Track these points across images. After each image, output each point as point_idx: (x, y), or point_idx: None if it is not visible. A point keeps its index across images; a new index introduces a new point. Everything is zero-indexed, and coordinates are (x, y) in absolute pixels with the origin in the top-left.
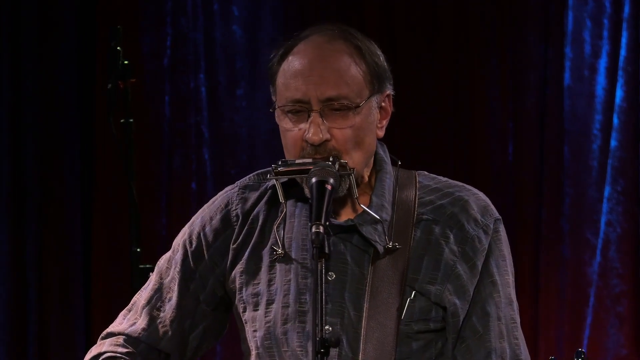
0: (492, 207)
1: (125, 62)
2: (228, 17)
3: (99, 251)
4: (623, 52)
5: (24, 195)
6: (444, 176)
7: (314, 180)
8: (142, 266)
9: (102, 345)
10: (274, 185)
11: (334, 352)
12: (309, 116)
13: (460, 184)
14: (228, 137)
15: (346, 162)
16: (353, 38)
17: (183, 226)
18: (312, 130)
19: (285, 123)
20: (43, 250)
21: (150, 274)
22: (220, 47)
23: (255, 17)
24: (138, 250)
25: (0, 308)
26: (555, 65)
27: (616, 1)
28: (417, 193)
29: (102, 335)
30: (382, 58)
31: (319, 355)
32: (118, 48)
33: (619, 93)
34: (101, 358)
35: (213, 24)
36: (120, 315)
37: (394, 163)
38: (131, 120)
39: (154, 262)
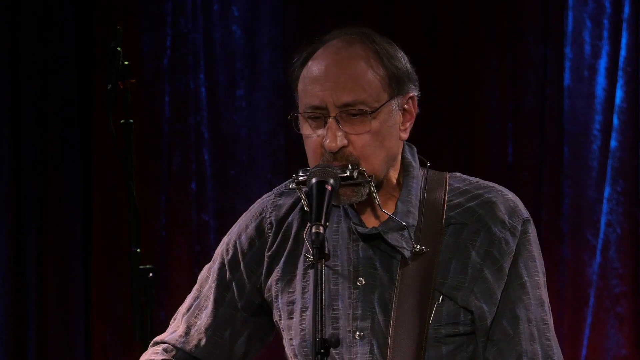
0: (521, 207)
1: (125, 62)
2: (228, 18)
3: (98, 252)
4: (623, 52)
5: (24, 196)
6: None
7: (313, 180)
8: (141, 267)
9: (146, 354)
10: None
11: (365, 357)
12: (325, 122)
13: (491, 184)
14: (228, 137)
15: (364, 170)
16: (371, 42)
17: (183, 227)
18: (330, 137)
19: (305, 129)
20: (42, 251)
21: (151, 274)
22: (220, 48)
23: (255, 17)
24: (138, 250)
25: (0, 308)
26: (555, 65)
27: (616, 1)
28: (447, 196)
29: (152, 342)
30: (403, 60)
31: (318, 356)
32: (118, 48)
33: (619, 93)
34: None
35: (213, 24)
36: (171, 321)
37: (422, 164)
38: (131, 120)
39: (153, 262)
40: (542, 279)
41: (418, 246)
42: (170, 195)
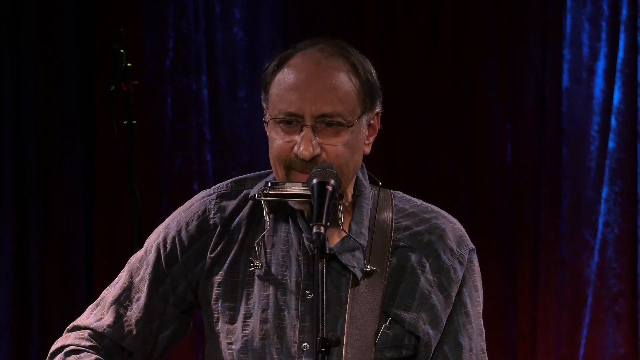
0: (467, 237)
1: (128, 64)
2: (229, 20)
3: (101, 252)
4: (621, 54)
5: (27, 196)
6: (446, 178)
7: (315, 181)
8: None
9: (67, 338)
10: (256, 200)
11: None
12: (301, 130)
13: (436, 209)
14: (229, 138)
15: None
16: (349, 54)
17: None
18: (304, 145)
19: (275, 133)
20: (45, 251)
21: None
22: (221, 49)
23: (256, 19)
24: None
25: (3, 308)
26: (553, 67)
27: (614, 4)
28: (394, 217)
29: (67, 328)
30: (374, 75)
31: (319, 355)
32: (120, 50)
33: (617, 95)
34: (65, 350)
35: (214, 26)
36: (87, 309)
37: (372, 182)
38: (134, 121)
39: None
40: (481, 309)
41: (369, 266)
42: (172, 195)
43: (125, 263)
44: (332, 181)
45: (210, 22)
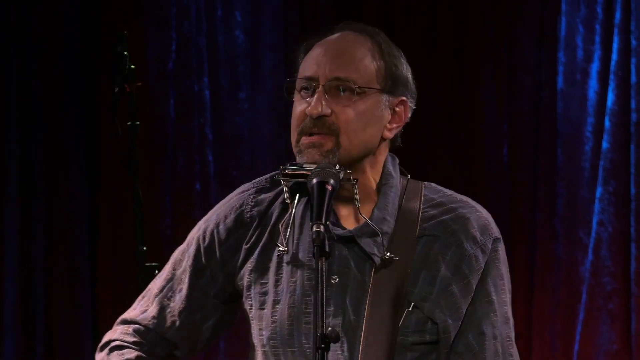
0: (493, 225)
1: (132, 66)
2: (231, 23)
3: (105, 250)
4: (614, 56)
5: (32, 196)
6: (442, 178)
7: (314, 181)
8: (147, 264)
9: (114, 333)
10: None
11: (336, 354)
12: (314, 93)
13: (465, 199)
14: (231, 138)
15: (350, 173)
16: (379, 37)
17: (187, 226)
18: (314, 103)
19: (296, 101)
20: (51, 250)
21: (157, 272)
22: (223, 52)
23: (257, 22)
24: (144, 249)
25: (9, 305)
26: (548, 69)
27: (608, 7)
28: (422, 207)
29: (117, 320)
30: (405, 67)
31: (319, 351)
32: (124, 53)
33: (611, 96)
34: (110, 345)
35: (216, 29)
36: (136, 300)
37: (403, 174)
38: (137, 122)
39: (159, 260)
40: (508, 297)
41: (388, 254)
42: (174, 195)
43: (128, 261)
44: (332, 181)
45: (212, 25)
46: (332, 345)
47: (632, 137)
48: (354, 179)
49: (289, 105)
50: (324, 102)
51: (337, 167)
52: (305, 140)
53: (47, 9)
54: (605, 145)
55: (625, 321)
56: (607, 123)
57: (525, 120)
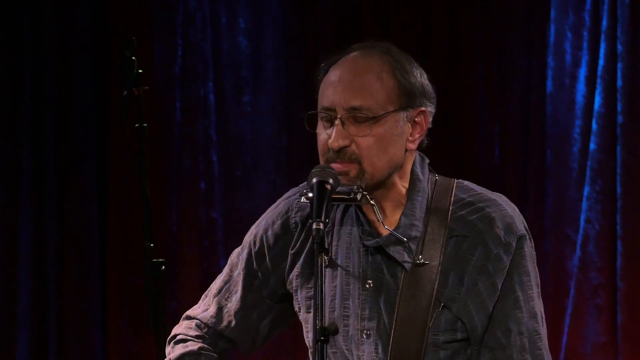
0: (518, 223)
1: (139, 70)
2: (234, 29)
3: (114, 246)
4: (601, 62)
5: (45, 195)
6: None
7: (314, 180)
8: (154, 260)
9: (179, 327)
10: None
11: (371, 355)
12: (334, 124)
13: (494, 197)
14: (234, 140)
15: (367, 194)
16: (389, 55)
17: (192, 224)
18: (333, 137)
19: (318, 128)
20: (62, 247)
21: (163, 267)
22: (227, 57)
23: (259, 29)
24: (151, 245)
25: (23, 299)
26: (538, 73)
27: (595, 15)
28: (451, 207)
29: (183, 316)
30: (419, 77)
31: (319, 343)
32: (132, 58)
33: (598, 100)
34: (175, 339)
35: (220, 35)
36: (200, 298)
37: (432, 172)
38: (145, 125)
39: (165, 256)
40: (535, 292)
41: (420, 257)
42: (180, 194)
43: (136, 256)
44: (331, 180)
45: (216, 32)
46: (367, 347)
47: (618, 139)
48: (371, 199)
49: (290, 108)
50: (342, 134)
51: (355, 187)
52: (332, 166)
53: (60, 18)
54: (592, 146)
55: (612, 314)
56: (594, 125)
57: (516, 123)
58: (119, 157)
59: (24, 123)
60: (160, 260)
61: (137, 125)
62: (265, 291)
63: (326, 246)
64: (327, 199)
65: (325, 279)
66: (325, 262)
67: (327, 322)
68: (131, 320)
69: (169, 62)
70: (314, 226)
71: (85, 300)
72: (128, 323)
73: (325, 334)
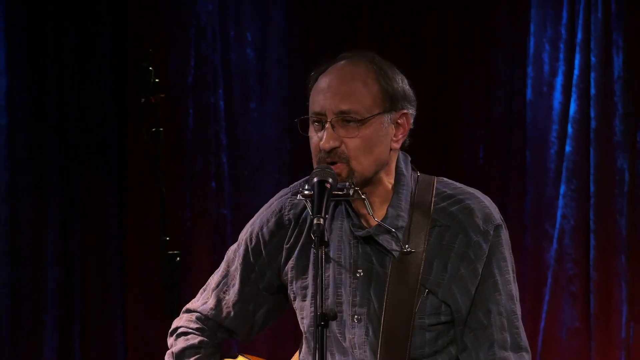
0: (495, 214)
1: (156, 80)
2: (242, 42)
3: (132, 240)
4: (576, 72)
5: (69, 194)
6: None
7: (315, 180)
8: (169, 252)
9: (180, 320)
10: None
11: (362, 338)
12: (324, 127)
13: (472, 191)
14: (242, 143)
15: (358, 189)
16: (373, 63)
17: (204, 219)
18: (324, 139)
19: (310, 132)
20: (85, 240)
21: (178, 259)
22: (235, 67)
23: (265, 42)
24: (166, 239)
25: (50, 288)
26: (519, 82)
27: (571, 29)
28: (434, 199)
29: (183, 309)
30: (401, 82)
31: (319, 327)
32: (149, 68)
33: (573, 106)
34: (177, 332)
35: (229, 47)
36: (199, 292)
37: (414, 170)
38: (161, 129)
39: (179, 249)
40: (511, 276)
41: (407, 246)
42: (193, 192)
43: (153, 249)
44: (330, 179)
45: (225, 44)
46: (357, 331)
47: (591, 142)
48: (363, 193)
49: (293, 113)
50: (332, 136)
51: (347, 184)
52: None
53: (83, 32)
54: (568, 149)
55: (585, 302)
56: (569, 129)
57: (499, 127)
58: (137, 159)
59: (51, 128)
60: (175, 252)
61: (153, 129)
62: (262, 284)
63: (326, 239)
64: (326, 197)
65: (320, 269)
66: (320, 254)
67: (326, 309)
68: (148, 307)
69: (182, 72)
70: (315, 221)
71: (107, 289)
72: (145, 310)
73: (325, 319)
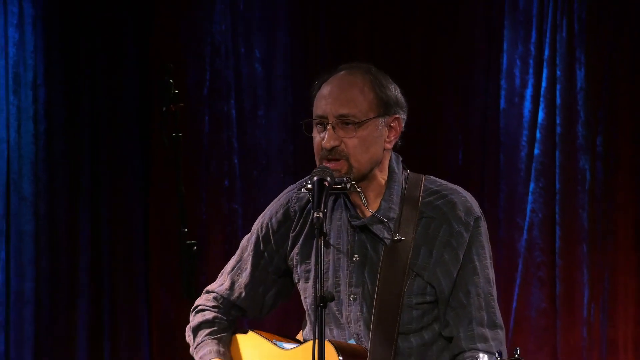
0: (475, 207)
1: (176, 91)
2: (251, 58)
3: (155, 232)
4: (544, 84)
5: (100, 191)
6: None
7: (315, 178)
8: (187, 242)
9: (200, 299)
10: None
11: (357, 314)
12: (326, 128)
13: (454, 187)
14: (251, 146)
15: (356, 184)
16: (369, 73)
17: (218, 213)
18: (326, 138)
19: (314, 133)
20: (114, 232)
21: (195, 248)
22: (245, 80)
23: (271, 58)
24: (185, 230)
25: (83, 273)
26: (493, 93)
27: (539, 46)
28: (422, 195)
29: (204, 290)
30: (394, 90)
31: (319, 307)
32: (170, 81)
33: (541, 115)
34: (197, 309)
35: (240, 63)
36: (218, 275)
37: (405, 169)
38: (180, 134)
39: (196, 239)
40: (489, 262)
41: (397, 235)
42: (208, 190)
43: (173, 239)
44: (328, 178)
45: (237, 60)
46: (353, 308)
47: (557, 146)
48: (359, 187)
49: (296, 120)
50: (333, 136)
51: (345, 178)
52: (326, 164)
53: (112, 50)
54: (536, 151)
55: (552, 285)
56: (538, 135)
57: (476, 132)
58: (159, 160)
59: (84, 133)
60: (192, 242)
61: (173, 134)
62: (271, 268)
63: (324, 230)
64: (325, 193)
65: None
66: (320, 243)
67: (325, 292)
68: (169, 291)
69: (199, 85)
70: (315, 215)
71: (133, 275)
72: (167, 293)
73: (323, 301)
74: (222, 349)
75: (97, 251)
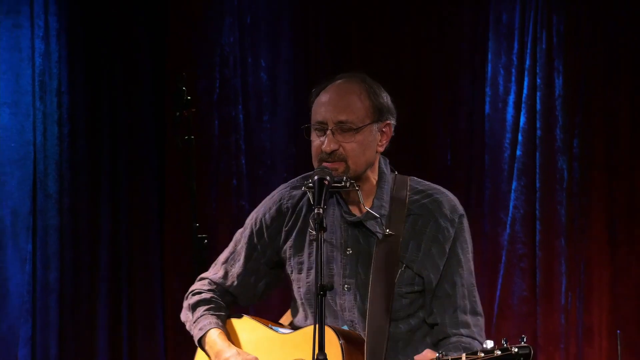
0: (459, 206)
1: (188, 97)
2: (257, 67)
3: (169, 226)
4: (525, 91)
5: (119, 190)
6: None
7: (316, 177)
8: (199, 236)
9: (195, 285)
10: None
11: (351, 302)
12: (325, 133)
13: (438, 187)
14: (257, 148)
15: (354, 183)
16: (364, 82)
17: (227, 209)
18: (326, 142)
19: (313, 137)
20: (131, 227)
21: (205, 241)
22: (252, 88)
23: (275, 67)
24: (197, 225)
25: (103, 265)
26: (479, 100)
27: (521, 57)
28: (408, 194)
29: (198, 277)
30: (386, 98)
31: (319, 296)
32: (183, 88)
33: (522, 119)
34: (193, 292)
35: (247, 72)
36: (211, 266)
37: (392, 171)
38: (192, 137)
39: (208, 233)
40: (471, 255)
41: (388, 230)
42: (218, 188)
43: (186, 233)
44: (328, 177)
45: (244, 69)
46: (347, 297)
47: (537, 148)
48: (357, 185)
49: (297, 125)
50: (333, 141)
51: (344, 177)
52: (324, 165)
53: (129, 60)
54: (518, 153)
55: (532, 275)
56: (520, 138)
57: (463, 135)
58: (173, 161)
59: (104, 135)
60: (203, 236)
61: (186, 137)
62: (263, 260)
63: (324, 225)
64: (325, 191)
65: (313, 249)
66: (320, 237)
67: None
68: (182, 280)
69: (209, 92)
70: (315, 211)
71: (149, 266)
72: (180, 282)
73: (323, 290)
74: (221, 324)
75: (116, 244)
